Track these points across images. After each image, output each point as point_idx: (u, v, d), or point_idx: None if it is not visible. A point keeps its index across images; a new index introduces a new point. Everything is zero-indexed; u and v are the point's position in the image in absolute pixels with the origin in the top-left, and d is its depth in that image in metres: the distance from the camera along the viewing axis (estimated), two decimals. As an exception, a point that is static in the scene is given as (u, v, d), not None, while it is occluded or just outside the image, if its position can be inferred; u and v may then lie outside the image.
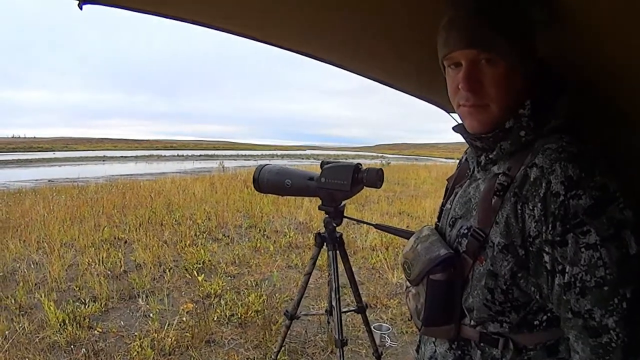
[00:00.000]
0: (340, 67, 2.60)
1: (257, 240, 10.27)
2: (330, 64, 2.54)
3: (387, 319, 6.28)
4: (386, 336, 5.61)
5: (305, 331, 5.87)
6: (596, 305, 1.30)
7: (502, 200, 1.48)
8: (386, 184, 19.78)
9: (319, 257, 3.46)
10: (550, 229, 1.35)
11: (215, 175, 24.47)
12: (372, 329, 5.41)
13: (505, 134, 1.52)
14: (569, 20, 1.46)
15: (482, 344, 1.65)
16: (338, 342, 3.25)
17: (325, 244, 3.40)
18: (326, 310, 3.92)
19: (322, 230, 3.38)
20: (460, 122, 1.70)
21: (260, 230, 11.53)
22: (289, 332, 5.06)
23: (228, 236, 10.77)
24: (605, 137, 1.83)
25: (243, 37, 2.20)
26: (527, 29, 1.48)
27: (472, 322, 1.66)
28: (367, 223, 3.15)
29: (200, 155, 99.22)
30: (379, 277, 8.04)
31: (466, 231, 1.62)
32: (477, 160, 1.70)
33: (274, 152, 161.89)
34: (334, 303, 3.27)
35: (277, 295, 6.97)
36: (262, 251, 9.53)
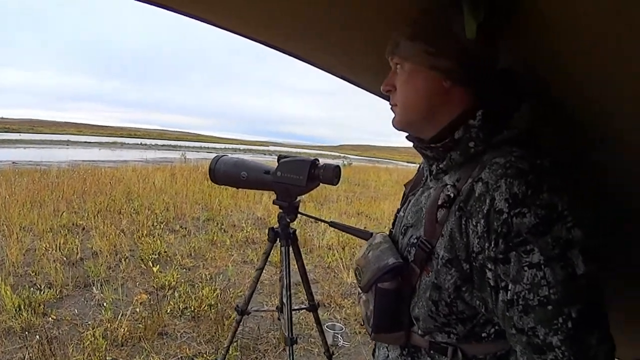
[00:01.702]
0: (309, 63, 2.54)
1: (214, 233, 10.21)
2: (299, 59, 2.48)
3: (340, 319, 6.28)
4: (339, 336, 5.65)
5: (258, 327, 5.84)
6: (539, 324, 1.27)
7: (448, 213, 1.46)
8: (346, 185, 19.92)
9: (274, 253, 3.42)
10: (492, 246, 1.31)
11: (176, 166, 24.37)
12: (325, 328, 5.44)
13: (455, 144, 1.50)
14: (530, 26, 1.42)
15: (431, 352, 1.64)
16: (288, 340, 3.20)
17: (278, 239, 3.34)
18: (277, 307, 3.87)
19: (276, 225, 3.33)
20: None
21: (217, 223, 11.50)
22: (241, 328, 5.03)
23: (185, 228, 10.70)
24: (569, 148, 1.81)
25: (208, 23, 2.14)
26: (446, 34, 1.46)
27: (420, 332, 1.65)
28: (322, 220, 3.06)
29: (163, 145, 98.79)
30: (334, 276, 8.07)
31: (415, 241, 1.59)
32: (430, 169, 1.68)
33: (237, 147, 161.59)
34: (284, 300, 3.22)
35: (231, 289, 6.92)
36: (219, 245, 9.49)
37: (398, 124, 1.65)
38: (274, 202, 3.13)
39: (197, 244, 9.26)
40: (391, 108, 1.67)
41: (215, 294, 6.55)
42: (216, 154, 3.36)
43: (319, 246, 9.73)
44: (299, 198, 3.14)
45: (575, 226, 1.26)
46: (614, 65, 1.32)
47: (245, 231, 10.55)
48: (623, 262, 2.15)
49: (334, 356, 5.18)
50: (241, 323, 3.67)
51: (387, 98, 1.69)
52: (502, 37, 1.47)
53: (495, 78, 1.52)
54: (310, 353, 5.36)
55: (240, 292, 6.83)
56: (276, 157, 3.04)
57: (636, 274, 2.19)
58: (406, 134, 1.72)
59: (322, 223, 2.67)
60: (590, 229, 1.29)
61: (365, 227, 10.06)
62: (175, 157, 39.18)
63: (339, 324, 5.86)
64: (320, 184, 2.94)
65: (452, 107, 1.53)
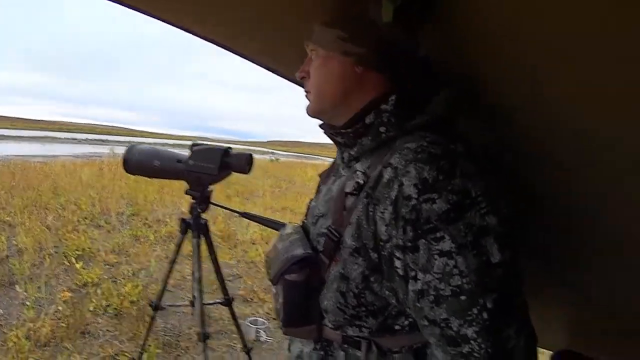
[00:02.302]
0: (230, 50, 2.47)
1: (138, 228, 10.06)
2: (219, 45, 2.40)
3: (263, 313, 6.26)
4: (262, 331, 5.61)
5: (179, 324, 5.74)
6: (453, 315, 1.21)
7: (357, 201, 1.40)
8: (273, 180, 20.03)
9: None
10: (401, 233, 1.25)
11: (105, 160, 23.91)
12: (248, 323, 5.41)
13: (366, 129, 1.46)
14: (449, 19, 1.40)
15: (345, 346, 1.57)
16: (201, 335, 3.12)
17: (189, 230, 3.25)
18: (191, 302, 3.77)
19: (188, 216, 3.23)
20: None
21: (142, 218, 11.34)
22: (163, 325, 4.91)
23: (110, 223, 10.46)
24: (486, 138, 1.80)
25: (124, 5, 2.05)
26: (361, 21, 1.45)
27: (331, 325, 1.58)
28: (234, 211, 3.05)
29: (94, 140, 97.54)
30: (257, 271, 8.04)
31: (325, 230, 1.53)
32: (342, 156, 1.63)
33: (167, 141, 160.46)
34: (195, 294, 3.13)
35: (153, 285, 6.77)
36: (142, 240, 9.34)
37: (312, 111, 1.62)
38: (186, 192, 3.06)
39: (121, 239, 9.07)
40: (306, 95, 1.64)
41: (137, 291, 6.42)
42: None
43: (242, 241, 9.73)
44: (211, 187, 3.06)
45: (489, 213, 1.21)
46: (518, 64, 1.33)
47: (169, 226, 10.43)
48: (542, 252, 2.17)
49: (256, 351, 5.16)
50: (163, 319, 3.59)
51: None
52: (422, 25, 1.44)
53: (412, 65, 1.48)
54: (232, 349, 5.31)
55: (163, 287, 6.67)
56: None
57: (557, 265, 2.22)
58: (320, 122, 1.69)
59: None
60: (508, 218, 1.26)
61: (290, 222, 10.14)
62: (105, 151, 38.69)
63: (261, 319, 5.83)
64: (232, 172, 2.88)
65: (365, 93, 1.50)
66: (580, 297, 2.38)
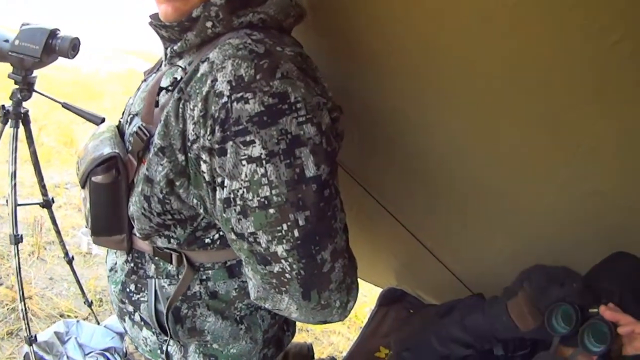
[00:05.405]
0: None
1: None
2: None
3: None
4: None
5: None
6: (261, 230, 1.18)
7: (170, 97, 1.30)
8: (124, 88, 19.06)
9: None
10: (208, 134, 1.19)
11: None
12: (81, 234, 5.16)
13: (192, 23, 1.33)
14: None
15: (156, 258, 1.56)
16: (12, 237, 2.88)
17: (10, 120, 2.90)
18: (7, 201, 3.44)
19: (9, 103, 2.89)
20: None
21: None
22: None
23: None
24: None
25: None
26: None
27: (139, 235, 1.52)
28: (55, 100, 2.81)
29: None
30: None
31: (137, 129, 1.42)
32: (165, 52, 1.50)
33: None
34: (9, 191, 2.85)
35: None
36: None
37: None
38: (8, 76, 2.76)
39: None
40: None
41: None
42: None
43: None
44: (35, 73, 2.78)
45: (308, 122, 1.17)
46: None
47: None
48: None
49: (86, 264, 5.00)
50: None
51: None
52: None
53: None
54: (64, 261, 4.88)
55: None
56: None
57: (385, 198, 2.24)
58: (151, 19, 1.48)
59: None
60: (328, 132, 1.24)
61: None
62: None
63: (92, 230, 5.49)
64: (59, 58, 2.65)
65: None
66: (408, 236, 2.41)
